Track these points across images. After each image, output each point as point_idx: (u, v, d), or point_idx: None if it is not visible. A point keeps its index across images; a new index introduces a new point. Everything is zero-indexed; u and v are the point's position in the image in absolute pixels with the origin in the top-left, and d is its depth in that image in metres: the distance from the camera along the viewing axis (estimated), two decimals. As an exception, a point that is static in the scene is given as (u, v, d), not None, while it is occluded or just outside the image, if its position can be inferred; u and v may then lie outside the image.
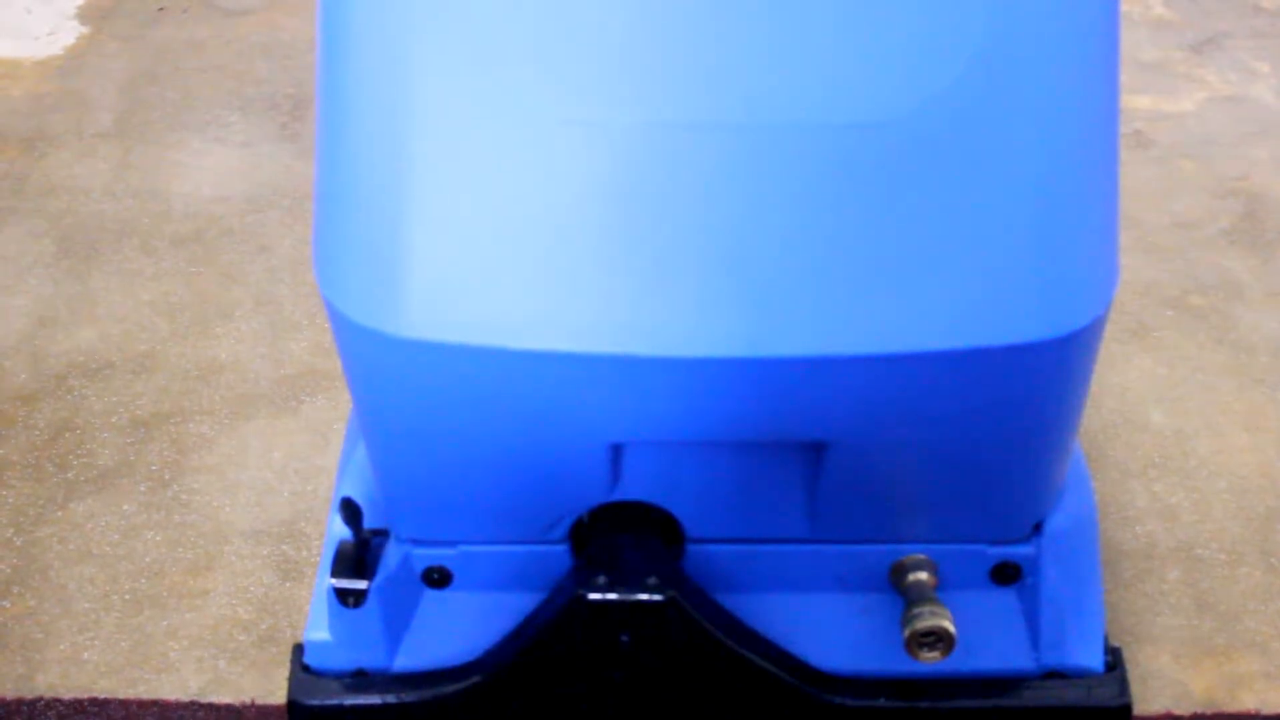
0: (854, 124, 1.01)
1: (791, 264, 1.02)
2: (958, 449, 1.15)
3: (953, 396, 1.09)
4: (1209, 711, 1.52)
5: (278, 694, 1.54)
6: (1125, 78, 2.77)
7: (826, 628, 1.30)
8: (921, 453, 1.15)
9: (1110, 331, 2.08)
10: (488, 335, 1.04)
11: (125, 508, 1.79)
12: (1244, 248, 2.28)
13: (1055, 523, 1.28)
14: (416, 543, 1.29)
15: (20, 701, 1.54)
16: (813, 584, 1.30)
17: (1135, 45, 2.90)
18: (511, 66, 1.03)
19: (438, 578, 1.31)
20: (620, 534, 1.23)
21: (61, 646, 1.61)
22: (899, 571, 1.28)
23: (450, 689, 1.26)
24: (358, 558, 1.26)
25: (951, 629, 1.22)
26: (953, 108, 1.01)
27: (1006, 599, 1.31)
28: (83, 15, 3.06)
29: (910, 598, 1.26)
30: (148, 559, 1.72)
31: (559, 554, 1.27)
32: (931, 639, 1.23)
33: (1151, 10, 3.04)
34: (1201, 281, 2.20)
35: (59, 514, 1.78)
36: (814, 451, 1.17)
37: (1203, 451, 1.87)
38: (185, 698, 1.54)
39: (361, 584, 1.26)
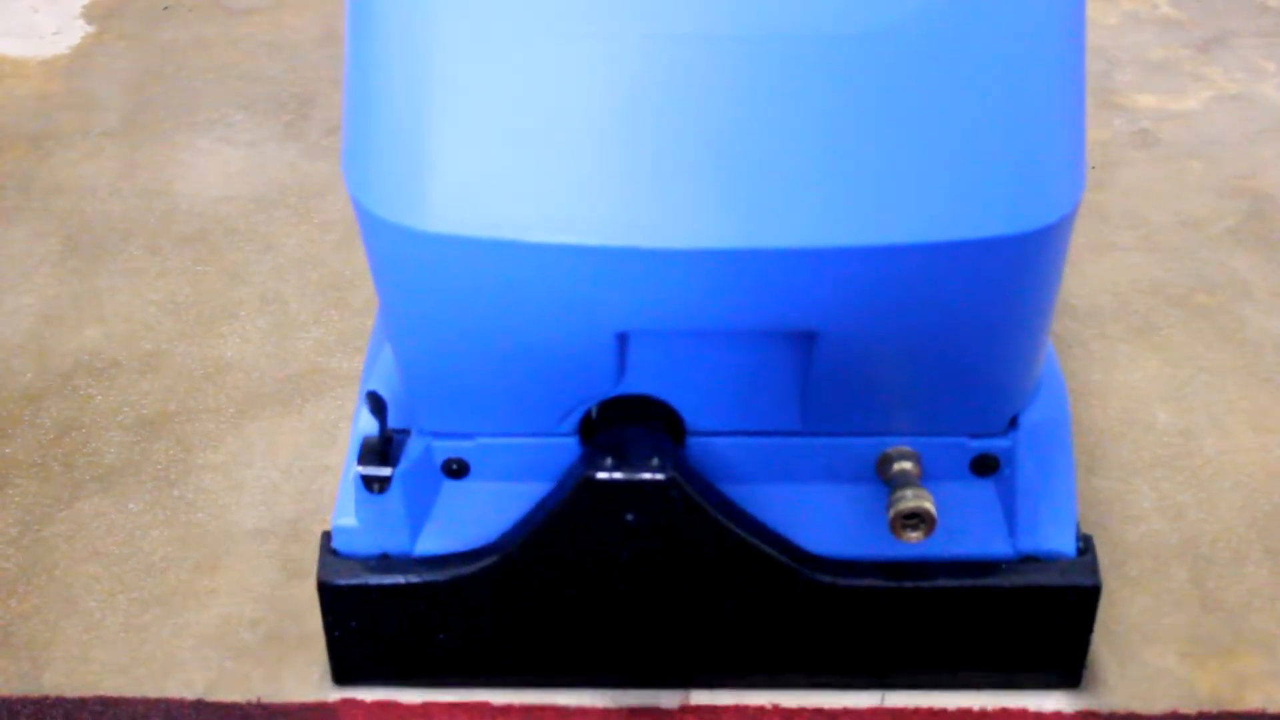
0: (841, 35, 1.11)
1: (783, 164, 1.12)
2: (938, 341, 1.24)
3: (932, 288, 1.18)
4: (1215, 710, 1.52)
5: (283, 692, 1.55)
6: (1131, 77, 2.78)
7: (818, 515, 1.40)
8: (904, 345, 1.24)
9: (1116, 330, 2.07)
10: (505, 229, 1.13)
11: (131, 506, 1.79)
12: (1251, 247, 2.27)
13: (1030, 417, 1.38)
14: (437, 435, 1.38)
15: (26, 700, 1.54)
16: (805, 474, 1.39)
17: (1142, 44, 2.89)
18: None
19: (456, 468, 1.40)
20: (626, 424, 1.33)
21: (68, 645, 1.61)
22: (885, 462, 1.37)
23: (467, 570, 1.35)
24: (383, 448, 1.35)
25: (933, 510, 1.31)
26: (932, 19, 1.10)
27: (985, 489, 1.41)
28: (89, 14, 3.07)
29: (895, 484, 1.35)
30: (154, 558, 1.72)
31: (569, 446, 1.36)
32: (914, 520, 1.32)
33: (1158, 9, 3.04)
34: (1208, 280, 2.19)
35: (65, 513, 1.78)
36: (805, 344, 1.25)
37: (1209, 450, 1.86)
38: (191, 696, 1.55)
39: (386, 470, 1.35)
